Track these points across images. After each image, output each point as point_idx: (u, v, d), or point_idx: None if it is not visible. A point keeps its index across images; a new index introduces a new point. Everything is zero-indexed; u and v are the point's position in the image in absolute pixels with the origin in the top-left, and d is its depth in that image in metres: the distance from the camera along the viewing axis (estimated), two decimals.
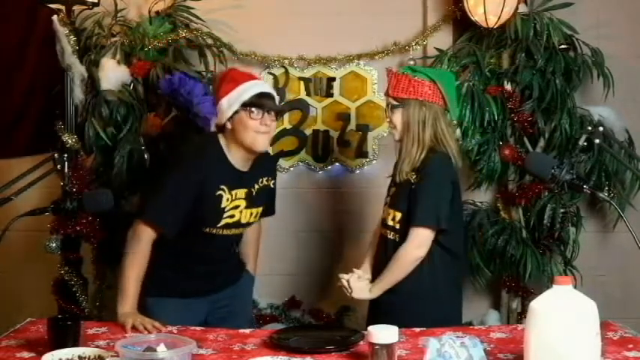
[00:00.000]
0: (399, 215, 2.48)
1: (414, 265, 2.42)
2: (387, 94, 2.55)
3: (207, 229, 2.45)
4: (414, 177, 2.45)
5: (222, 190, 2.41)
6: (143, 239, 2.37)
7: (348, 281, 2.54)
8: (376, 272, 2.53)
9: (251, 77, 2.49)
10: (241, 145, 2.42)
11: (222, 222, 2.44)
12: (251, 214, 2.53)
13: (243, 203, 2.47)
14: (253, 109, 2.39)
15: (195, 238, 2.45)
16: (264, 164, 2.56)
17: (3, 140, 3.39)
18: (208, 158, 2.44)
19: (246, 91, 2.41)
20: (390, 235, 2.50)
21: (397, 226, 2.48)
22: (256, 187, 2.52)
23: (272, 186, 2.62)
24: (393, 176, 2.58)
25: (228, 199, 2.42)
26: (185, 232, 2.41)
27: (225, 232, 2.48)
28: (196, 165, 2.41)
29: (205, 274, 2.54)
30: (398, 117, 2.50)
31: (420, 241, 2.41)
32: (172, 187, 2.39)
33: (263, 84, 2.52)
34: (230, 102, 2.41)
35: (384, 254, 2.52)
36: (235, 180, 2.44)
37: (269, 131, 2.43)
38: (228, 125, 2.43)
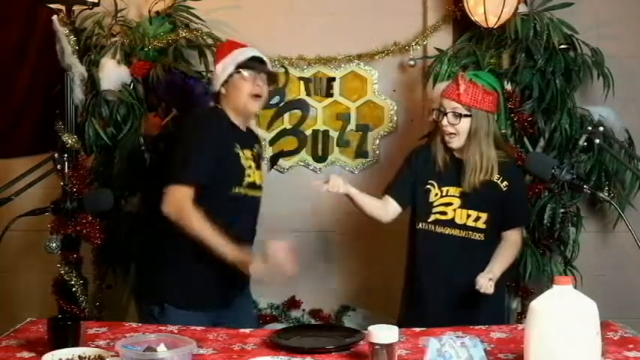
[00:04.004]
0: (484, 216, 2.57)
1: None
2: (454, 99, 2.55)
3: (235, 190, 2.46)
4: (500, 180, 2.57)
5: (237, 147, 2.47)
6: (186, 204, 2.32)
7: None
8: (457, 274, 2.54)
9: (244, 45, 2.59)
10: (234, 110, 2.50)
11: (245, 181, 2.49)
12: (260, 175, 2.59)
13: (253, 163, 2.53)
14: (245, 71, 2.48)
15: (222, 202, 2.44)
16: (251, 133, 2.63)
17: (3, 140, 3.39)
18: (219, 118, 2.50)
19: (239, 55, 2.51)
20: (476, 237, 2.57)
21: (484, 227, 2.57)
22: (255, 149, 2.59)
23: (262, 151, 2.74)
24: (442, 180, 2.61)
25: (243, 158, 2.48)
26: (212, 196, 2.40)
27: (250, 192, 2.52)
28: (211, 123, 2.47)
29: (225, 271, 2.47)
30: (465, 125, 2.54)
31: (522, 240, 2.73)
32: (195, 145, 2.39)
33: (255, 49, 2.59)
34: (224, 66, 2.51)
35: (463, 253, 2.57)
36: (243, 140, 2.51)
37: (261, 93, 2.51)
38: (223, 90, 2.51)
